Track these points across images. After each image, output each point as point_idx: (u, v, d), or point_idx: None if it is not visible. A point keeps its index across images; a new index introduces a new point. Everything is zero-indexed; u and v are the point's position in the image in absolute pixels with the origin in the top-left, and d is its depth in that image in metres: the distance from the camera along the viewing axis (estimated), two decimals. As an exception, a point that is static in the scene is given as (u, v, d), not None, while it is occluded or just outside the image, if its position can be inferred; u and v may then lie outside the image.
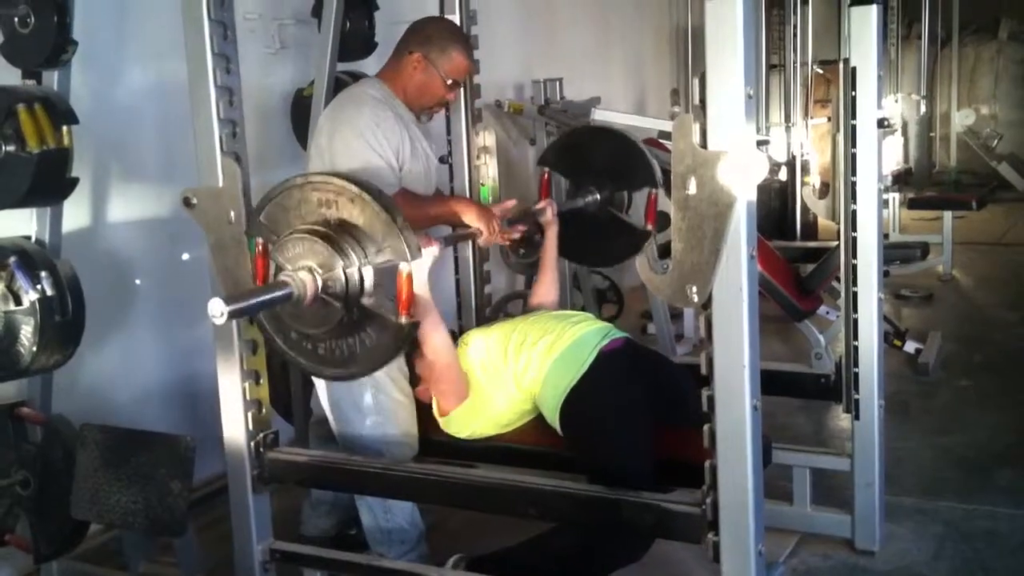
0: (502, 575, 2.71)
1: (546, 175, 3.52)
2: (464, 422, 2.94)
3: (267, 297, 2.31)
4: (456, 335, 3.19)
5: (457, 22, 3.64)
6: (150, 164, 3.70)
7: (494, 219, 3.22)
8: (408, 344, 2.43)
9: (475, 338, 3.02)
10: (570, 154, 3.63)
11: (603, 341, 2.90)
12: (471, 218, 3.20)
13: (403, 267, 2.31)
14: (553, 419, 2.84)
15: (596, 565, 2.72)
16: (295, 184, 2.43)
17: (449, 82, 3.23)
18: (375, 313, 2.34)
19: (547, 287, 3.39)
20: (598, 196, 3.51)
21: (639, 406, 2.77)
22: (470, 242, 3.65)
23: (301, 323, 2.42)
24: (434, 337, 2.80)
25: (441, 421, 2.97)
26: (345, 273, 2.32)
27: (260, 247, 2.39)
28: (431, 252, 2.68)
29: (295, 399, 3.51)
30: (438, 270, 3.73)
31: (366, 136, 3.02)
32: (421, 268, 2.56)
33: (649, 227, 3.41)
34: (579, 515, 2.51)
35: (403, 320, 2.33)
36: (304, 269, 2.33)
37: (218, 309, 2.16)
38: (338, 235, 2.33)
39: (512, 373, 2.90)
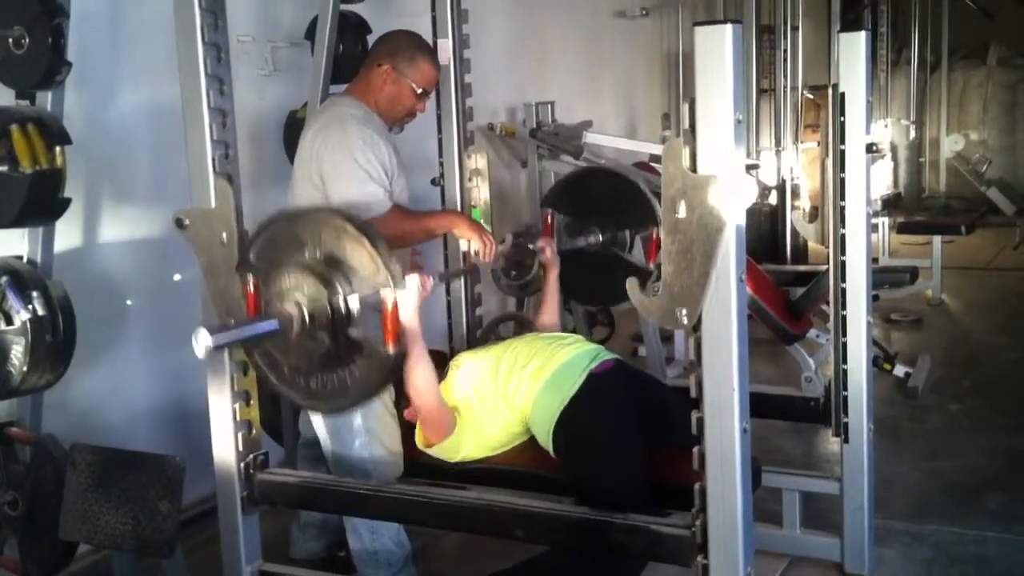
0: None
1: (550, 216, 3.53)
2: (454, 447, 2.91)
3: (253, 331, 2.34)
4: (447, 357, 3.20)
5: (450, 46, 3.67)
6: (143, 185, 3.70)
7: (486, 233, 3.26)
8: (396, 374, 2.44)
9: (466, 361, 3.02)
10: (572, 195, 3.67)
11: (593, 363, 2.90)
12: (463, 230, 3.26)
13: (387, 296, 2.32)
14: (546, 443, 2.84)
15: None
16: (281, 220, 2.45)
17: (419, 91, 3.28)
18: (362, 344, 2.35)
19: (547, 314, 3.41)
20: (600, 237, 3.55)
21: (631, 428, 2.76)
22: (460, 260, 3.66)
23: (291, 357, 2.44)
24: (416, 375, 2.70)
25: (430, 450, 2.94)
26: (331, 304, 2.33)
27: (251, 284, 2.41)
28: (415, 282, 2.59)
29: (285, 420, 3.51)
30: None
31: (356, 157, 3.06)
32: (408, 299, 2.51)
33: (651, 265, 3.44)
34: (567, 538, 2.51)
35: (390, 350, 2.34)
36: (291, 302, 2.34)
37: (203, 341, 2.20)
38: (324, 268, 2.36)
39: (503, 396, 2.90)
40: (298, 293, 2.35)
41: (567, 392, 2.80)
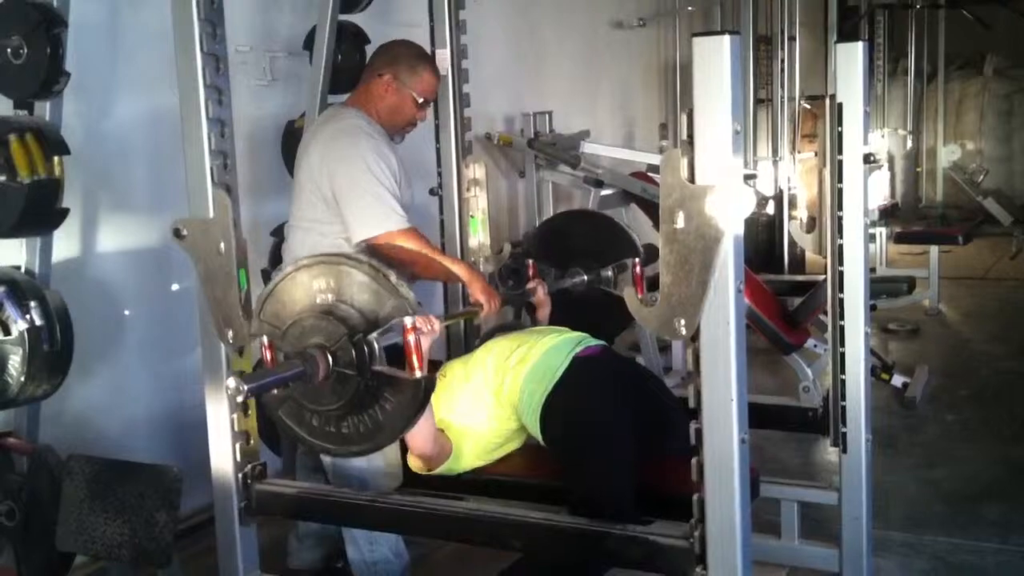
0: None
1: (532, 266, 3.53)
2: (455, 460, 2.90)
3: (282, 375, 2.33)
4: (440, 364, 3.20)
5: (448, 56, 3.67)
6: (140, 195, 3.70)
7: (495, 297, 3.23)
8: (428, 399, 2.41)
9: (452, 368, 3.02)
10: (551, 241, 3.69)
11: (577, 348, 2.91)
12: (476, 290, 3.19)
13: (406, 322, 2.31)
14: (535, 429, 2.84)
15: None
16: (285, 275, 2.46)
17: (420, 101, 3.27)
18: (389, 376, 2.34)
19: None
20: (585, 277, 3.56)
21: (617, 410, 2.77)
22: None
23: (320, 402, 2.43)
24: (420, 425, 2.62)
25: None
26: (352, 341, 2.33)
27: (267, 344, 2.41)
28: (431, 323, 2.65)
29: (283, 430, 3.50)
30: (428, 300, 3.74)
31: (373, 170, 3.03)
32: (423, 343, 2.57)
33: (640, 298, 3.44)
34: (564, 548, 2.50)
35: (418, 375, 2.33)
36: (313, 346, 2.34)
37: (235, 387, 2.21)
38: (337, 307, 2.36)
39: (493, 390, 2.90)
40: (318, 337, 2.35)
41: (552, 376, 2.81)
